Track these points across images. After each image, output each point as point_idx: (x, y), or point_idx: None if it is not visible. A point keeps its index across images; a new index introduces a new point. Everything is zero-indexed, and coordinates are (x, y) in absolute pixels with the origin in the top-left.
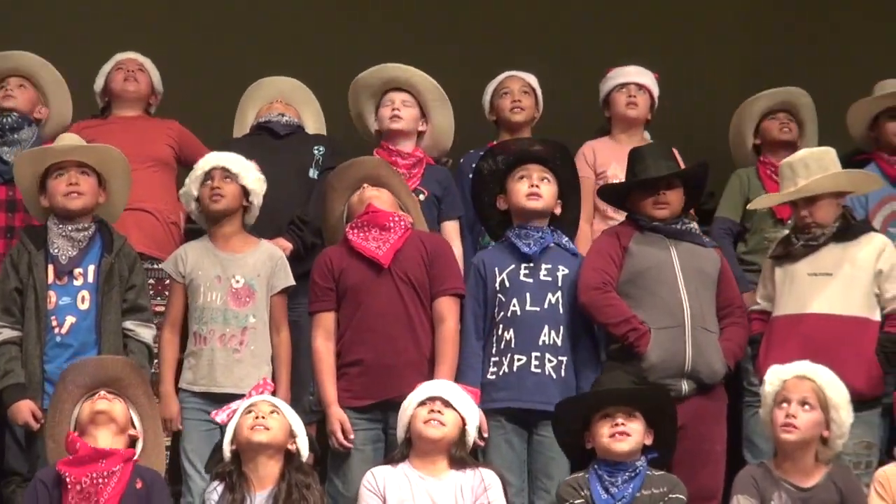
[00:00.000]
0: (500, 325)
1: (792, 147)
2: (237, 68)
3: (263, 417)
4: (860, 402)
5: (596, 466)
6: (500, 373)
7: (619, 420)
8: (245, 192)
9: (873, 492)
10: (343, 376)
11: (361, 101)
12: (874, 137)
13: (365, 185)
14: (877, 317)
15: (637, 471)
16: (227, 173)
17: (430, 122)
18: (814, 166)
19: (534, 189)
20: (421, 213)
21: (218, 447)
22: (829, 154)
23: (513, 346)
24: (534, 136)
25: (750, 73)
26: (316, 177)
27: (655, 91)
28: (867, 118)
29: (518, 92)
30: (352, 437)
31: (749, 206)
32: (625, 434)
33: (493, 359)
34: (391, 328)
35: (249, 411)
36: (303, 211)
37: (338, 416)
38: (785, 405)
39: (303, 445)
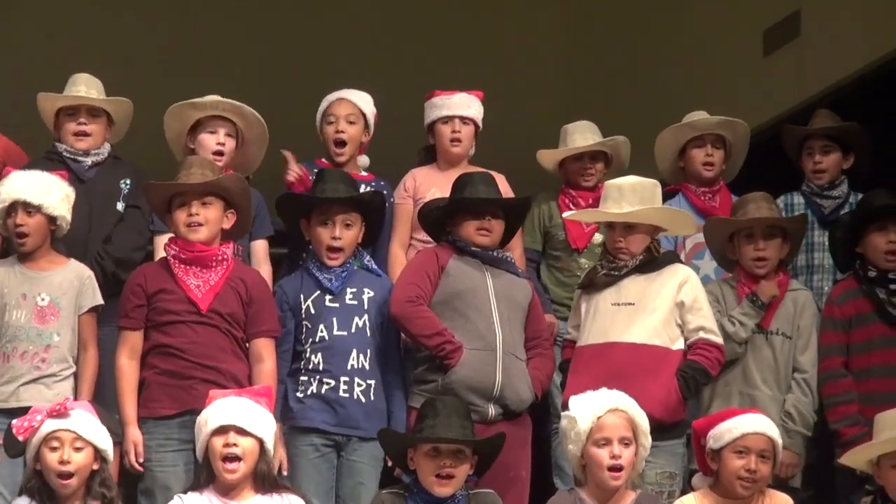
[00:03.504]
0: (308, 350)
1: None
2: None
3: (68, 462)
4: (662, 432)
5: (416, 490)
6: (308, 392)
7: (447, 462)
8: (51, 219)
9: None
10: (149, 386)
11: (181, 127)
12: (681, 168)
13: (193, 203)
14: (676, 347)
15: (457, 501)
16: (29, 207)
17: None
18: (641, 195)
19: (334, 243)
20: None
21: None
22: (657, 188)
23: (321, 369)
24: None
25: (565, 104)
26: (122, 210)
27: (480, 118)
28: (674, 149)
29: (343, 121)
30: (141, 460)
31: (568, 216)
32: (451, 477)
33: (301, 378)
34: (200, 356)
35: (53, 448)
36: (108, 239)
37: (133, 438)
38: (606, 445)
39: (108, 458)
